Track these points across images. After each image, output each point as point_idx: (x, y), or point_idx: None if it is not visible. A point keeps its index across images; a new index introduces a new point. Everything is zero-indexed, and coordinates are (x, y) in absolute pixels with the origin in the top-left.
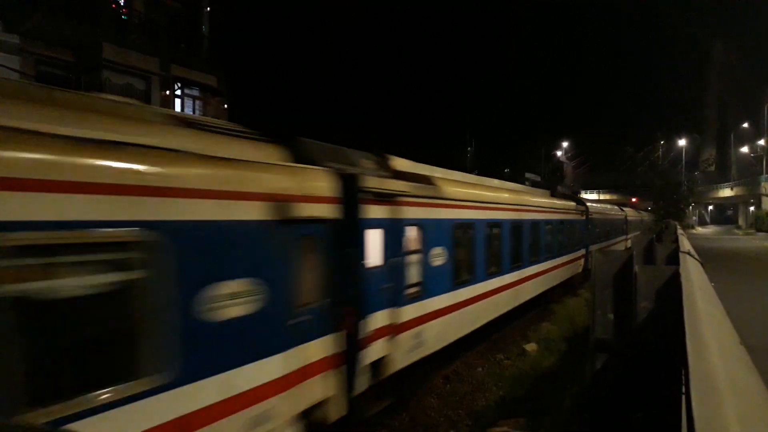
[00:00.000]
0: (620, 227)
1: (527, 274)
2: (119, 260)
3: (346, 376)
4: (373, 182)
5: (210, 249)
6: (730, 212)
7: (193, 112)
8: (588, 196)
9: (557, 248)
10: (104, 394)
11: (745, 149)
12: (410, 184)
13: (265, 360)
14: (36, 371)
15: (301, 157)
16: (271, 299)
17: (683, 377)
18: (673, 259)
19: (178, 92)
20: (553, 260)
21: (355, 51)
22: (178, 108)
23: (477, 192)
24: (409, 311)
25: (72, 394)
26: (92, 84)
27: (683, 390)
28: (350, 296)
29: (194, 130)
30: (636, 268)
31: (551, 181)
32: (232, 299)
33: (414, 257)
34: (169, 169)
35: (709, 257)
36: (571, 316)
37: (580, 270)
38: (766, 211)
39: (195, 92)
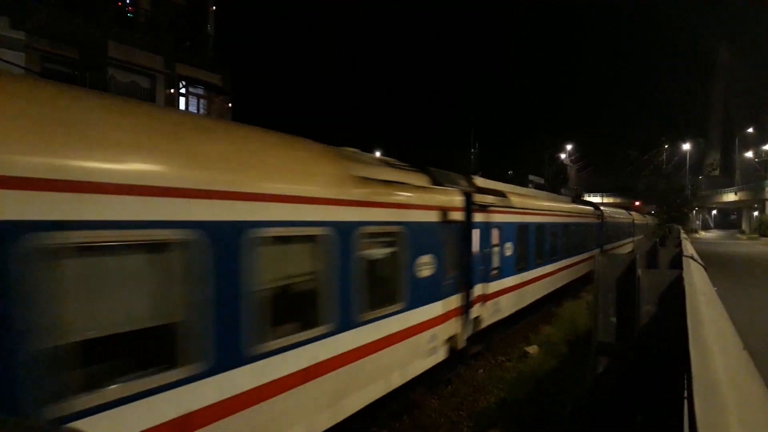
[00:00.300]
0: (629, 230)
1: (561, 266)
2: (391, 241)
3: (464, 323)
4: (477, 197)
5: (419, 236)
6: (733, 217)
7: (198, 110)
8: (591, 199)
9: (580, 247)
10: (387, 310)
11: (749, 154)
12: (495, 197)
13: (435, 303)
14: (369, 294)
15: (435, 180)
16: (438, 267)
17: (685, 382)
18: (677, 263)
19: (183, 91)
20: (578, 256)
21: (358, 51)
22: (182, 106)
23: (529, 201)
24: (493, 286)
25: (377, 307)
26: (97, 82)
27: (685, 394)
28: (465, 272)
29: (390, 167)
30: (639, 271)
31: (554, 183)
32: (425, 265)
33: (495, 249)
34: (406, 193)
35: (712, 262)
36: (573, 319)
37: None
38: None
39: (200, 91)
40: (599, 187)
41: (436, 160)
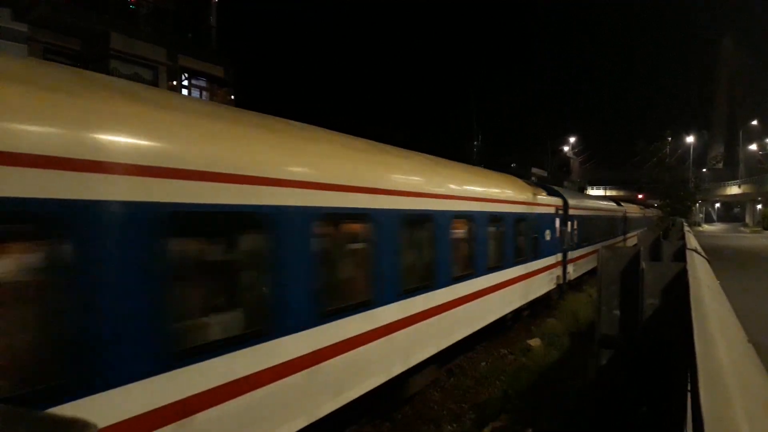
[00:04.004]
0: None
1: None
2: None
3: (562, 273)
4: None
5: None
6: (737, 210)
7: None
8: (594, 191)
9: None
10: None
11: (753, 147)
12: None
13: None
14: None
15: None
16: (553, 236)
17: (689, 374)
18: (680, 256)
19: (185, 82)
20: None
21: (362, 43)
22: None
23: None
24: (572, 254)
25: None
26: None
27: (688, 387)
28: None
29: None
30: (643, 264)
31: (557, 176)
32: (546, 234)
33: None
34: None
35: (715, 255)
36: (575, 312)
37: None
38: None
39: (202, 83)
40: (603, 179)
41: (439, 151)
